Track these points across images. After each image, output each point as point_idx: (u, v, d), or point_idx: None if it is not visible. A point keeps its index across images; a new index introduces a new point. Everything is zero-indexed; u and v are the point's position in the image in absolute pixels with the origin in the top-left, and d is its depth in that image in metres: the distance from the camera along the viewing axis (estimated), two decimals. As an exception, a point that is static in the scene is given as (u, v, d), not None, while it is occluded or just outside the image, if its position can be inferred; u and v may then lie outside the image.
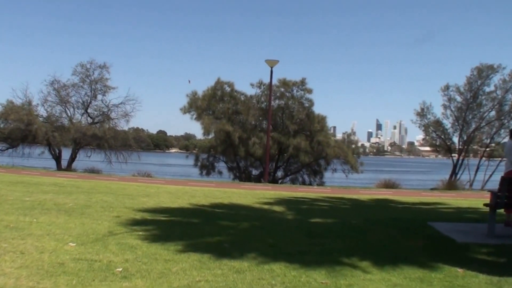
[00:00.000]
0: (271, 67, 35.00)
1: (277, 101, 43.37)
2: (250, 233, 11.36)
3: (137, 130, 52.06)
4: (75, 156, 45.78)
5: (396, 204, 20.13)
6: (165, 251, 8.66)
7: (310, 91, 43.16)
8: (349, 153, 43.71)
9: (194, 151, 52.14)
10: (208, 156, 46.34)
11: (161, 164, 75.84)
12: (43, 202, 14.69)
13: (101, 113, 46.63)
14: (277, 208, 16.73)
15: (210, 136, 44.16)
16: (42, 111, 45.62)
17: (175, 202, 16.93)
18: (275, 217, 14.60)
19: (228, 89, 44.25)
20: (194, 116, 43.90)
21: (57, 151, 45.15)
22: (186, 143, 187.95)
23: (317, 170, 44.96)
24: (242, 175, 44.60)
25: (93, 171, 42.04)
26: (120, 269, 7.32)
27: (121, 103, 45.72)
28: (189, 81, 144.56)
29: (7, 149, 44.99)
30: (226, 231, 11.44)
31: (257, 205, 17.44)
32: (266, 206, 17.10)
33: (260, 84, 43.57)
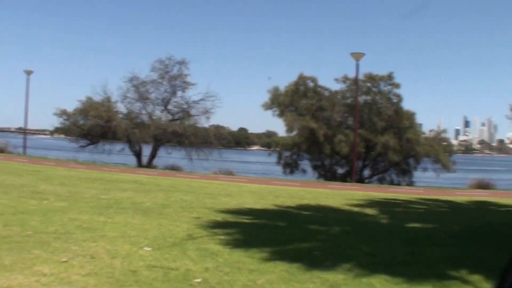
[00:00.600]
0: (357, 61, 33.70)
1: (363, 97, 41.87)
2: (342, 239, 10.49)
3: (217, 127, 52.01)
4: (156, 153, 46.24)
5: (497, 207, 18.74)
6: (249, 259, 7.92)
7: (397, 85, 41.31)
8: (440, 151, 41.57)
9: (276, 149, 51.40)
10: (292, 154, 45.47)
11: (242, 161, 75.75)
12: (119, 200, 14.41)
13: (181, 109, 46.85)
14: (368, 210, 15.76)
15: (293, 133, 43.28)
16: (121, 108, 46.53)
17: (258, 203, 16.26)
18: (368, 221, 13.67)
19: (311, 84, 43.17)
20: (276, 113, 43.24)
21: (137, 147, 45.83)
22: (267, 140, 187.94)
23: (406, 169, 43.08)
24: (327, 174, 43.47)
25: (173, 168, 42.30)
26: (199, 280, 6.62)
27: (201, 99, 45.73)
28: (269, 78, 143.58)
29: (87, 145, 46.10)
30: (316, 236, 10.62)
31: (346, 207, 16.51)
32: (356, 209, 16.17)
33: (345, 78, 42.12)
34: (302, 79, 42.68)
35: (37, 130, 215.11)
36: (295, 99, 42.44)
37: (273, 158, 47.58)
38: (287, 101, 42.14)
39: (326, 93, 43.03)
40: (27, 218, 10.57)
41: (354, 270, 7.51)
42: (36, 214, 11.16)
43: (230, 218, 12.45)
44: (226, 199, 16.62)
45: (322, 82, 43.63)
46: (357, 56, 33.37)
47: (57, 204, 12.82)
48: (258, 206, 15.48)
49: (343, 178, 40.48)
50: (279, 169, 46.14)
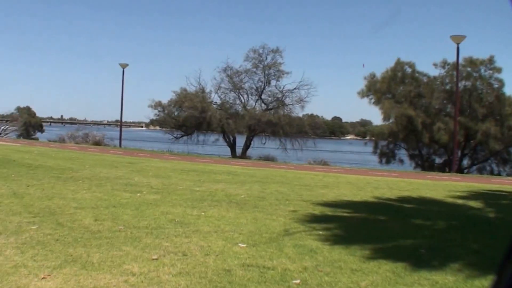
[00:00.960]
0: (457, 44, 31.80)
1: (463, 82, 39.81)
2: (448, 235, 9.65)
3: (311, 117, 51.27)
4: (250, 143, 46.37)
5: None
6: (351, 257, 7.33)
7: (499, 70, 38.92)
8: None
9: (372, 138, 50.22)
10: (388, 143, 44.14)
11: (337, 151, 74.55)
12: (213, 192, 14.19)
13: (275, 99, 46.71)
14: (473, 203, 14.72)
15: (389, 122, 42.02)
16: (215, 98, 47.03)
17: (357, 195, 15.58)
18: (474, 214, 12.72)
19: (409, 70, 41.61)
20: (372, 101, 42.11)
21: (231, 138, 46.14)
22: (362, 129, 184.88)
23: (507, 158, 40.80)
24: (425, 164, 41.90)
25: (267, 158, 42.17)
26: (298, 281, 6.10)
27: (295, 88, 45.38)
28: (363, 65, 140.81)
29: (181, 136, 46.96)
30: (420, 232, 9.85)
31: (449, 199, 15.49)
32: (460, 201, 15.14)
33: (444, 63, 40.20)
34: (399, 65, 41.27)
35: (133, 123, 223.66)
36: (392, 86, 41.12)
37: (368, 148, 46.62)
38: (384, 88, 40.89)
39: (425, 79, 41.36)
40: (119, 211, 10.49)
41: (464, 270, 6.83)
42: (128, 207, 11.08)
43: (328, 211, 11.89)
44: (323, 191, 16.04)
45: (420, 67, 42.03)
46: (457, 39, 31.51)
47: (150, 197, 12.75)
48: (357, 198, 14.82)
49: (442, 168, 39.10)
50: (374, 159, 45.08)
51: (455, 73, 35.75)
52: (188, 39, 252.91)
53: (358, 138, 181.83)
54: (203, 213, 10.65)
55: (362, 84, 42.42)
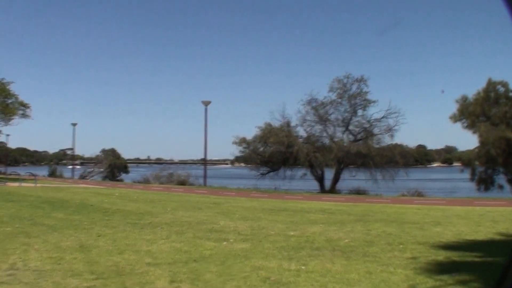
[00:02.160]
0: None
1: None
2: None
3: (398, 146, 47.89)
4: (339, 177, 43.93)
5: None
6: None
7: None
8: None
9: (461, 164, 46.62)
10: (486, 169, 40.24)
11: (426, 179, 70.48)
12: (311, 237, 11.99)
13: (362, 129, 44.18)
14: None
15: (477, 146, 38.55)
16: (301, 132, 44.99)
17: (478, 232, 13.04)
18: None
19: (502, 89, 37.93)
20: (465, 125, 38.73)
21: (319, 172, 43.90)
22: (447, 156, 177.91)
23: None
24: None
25: (358, 191, 39.65)
26: None
27: (383, 117, 42.67)
28: (442, 91, 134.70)
29: (268, 172, 45.18)
30: None
31: None
32: None
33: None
34: (491, 85, 37.75)
35: (217, 160, 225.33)
36: (486, 108, 37.65)
37: (458, 175, 43.16)
38: (478, 111, 37.45)
39: None
40: (201, 268, 8.51)
41: None
42: (212, 261, 9.10)
43: (454, 256, 9.53)
44: (437, 229, 13.54)
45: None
46: None
47: (238, 246, 10.73)
48: (479, 236, 12.35)
49: None
50: (468, 185, 41.49)
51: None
52: (270, 71, 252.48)
53: (444, 165, 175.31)
54: (303, 267, 8.51)
55: (452, 108, 39.21)
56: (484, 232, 13.05)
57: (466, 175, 42.46)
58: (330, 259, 9.21)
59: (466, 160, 41.76)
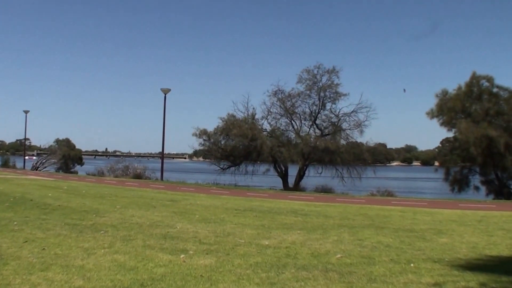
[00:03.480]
0: None
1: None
2: None
3: (355, 144, 45.76)
4: (304, 173, 41.69)
5: None
6: None
7: None
8: None
9: (417, 164, 45.52)
10: (461, 169, 38.61)
11: (390, 178, 69.36)
12: (292, 250, 9.49)
13: (330, 123, 41.94)
14: None
15: (437, 146, 37.22)
16: (265, 125, 42.48)
17: (494, 243, 10.89)
18: None
19: (486, 84, 36.18)
20: (441, 121, 36.93)
21: (283, 168, 41.55)
22: (407, 155, 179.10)
23: None
24: (504, 191, 36.44)
25: (325, 190, 37.58)
26: None
27: (353, 111, 40.54)
28: (404, 90, 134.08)
29: (229, 167, 42.62)
30: None
31: None
32: None
33: (528, 75, 34.72)
34: (475, 79, 35.89)
35: (176, 154, 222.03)
36: (467, 104, 35.90)
37: (423, 173, 41.88)
38: (459, 106, 35.63)
39: (505, 94, 35.86)
40: (148, 300, 5.97)
41: None
42: (165, 287, 6.58)
43: (490, 281, 7.27)
44: (442, 239, 11.27)
45: (500, 81, 36.70)
46: None
47: (200, 261, 8.18)
48: (501, 250, 10.18)
49: None
50: (434, 185, 40.23)
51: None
52: (236, 60, 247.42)
53: (404, 164, 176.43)
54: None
55: (417, 106, 37.56)
56: (503, 244, 10.84)
57: (432, 174, 41.24)
58: (326, 286, 6.77)
59: (443, 160, 39.96)
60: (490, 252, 9.76)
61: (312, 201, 23.43)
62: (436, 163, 47.55)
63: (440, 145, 45.05)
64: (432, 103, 38.31)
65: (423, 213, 17.73)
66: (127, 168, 51.36)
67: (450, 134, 38.91)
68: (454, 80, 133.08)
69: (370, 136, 76.20)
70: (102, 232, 11.18)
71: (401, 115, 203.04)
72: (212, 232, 11.52)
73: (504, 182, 37.22)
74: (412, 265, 8.21)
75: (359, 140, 42.07)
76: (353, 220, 14.97)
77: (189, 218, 14.36)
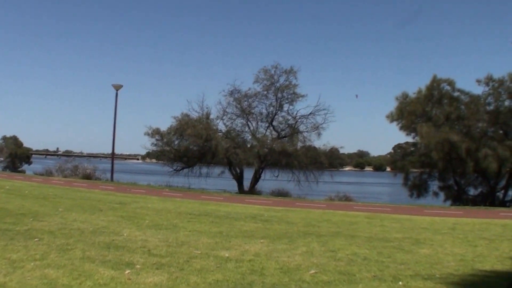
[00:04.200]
0: None
1: (508, 101, 34.17)
2: None
3: (311, 147, 44.82)
4: (259, 176, 40.39)
5: None
6: None
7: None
8: None
9: (369, 169, 45.29)
10: (421, 174, 38.05)
11: (344, 182, 68.96)
12: (257, 264, 8.11)
13: (287, 125, 40.73)
14: None
15: (389, 152, 36.66)
16: (221, 125, 40.96)
17: (482, 255, 9.83)
18: None
19: (447, 88, 35.60)
20: (400, 125, 36.21)
21: (238, 170, 40.14)
22: (360, 160, 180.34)
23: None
24: (462, 197, 36.04)
25: (281, 193, 36.34)
26: None
27: (310, 113, 39.39)
28: (356, 96, 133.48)
29: (182, 169, 40.87)
30: None
31: None
32: None
33: (489, 80, 34.24)
34: (436, 83, 35.26)
35: (129, 155, 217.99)
36: (428, 107, 35.31)
37: (382, 179, 41.32)
38: (419, 110, 34.95)
39: (465, 99, 35.37)
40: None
41: None
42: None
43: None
44: (423, 250, 10.11)
45: (461, 85, 36.27)
46: None
47: (148, 279, 6.76)
48: (494, 263, 9.09)
49: (480, 201, 34.45)
50: (388, 191, 39.61)
51: (500, 90, 30.46)
52: (191, 59, 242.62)
53: (356, 169, 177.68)
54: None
55: (372, 112, 36.95)
56: (491, 256, 9.76)
57: (386, 179, 40.64)
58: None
59: (402, 165, 39.23)
60: (482, 266, 8.65)
61: (270, 205, 22.19)
62: (388, 169, 47.12)
63: (392, 151, 44.57)
64: (388, 107, 37.59)
65: (390, 220, 16.69)
66: (76, 168, 48.95)
67: (409, 139, 38.25)
68: (414, 84, 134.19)
69: (327, 140, 75.23)
70: (36, 239, 9.61)
71: (354, 119, 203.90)
72: (163, 241, 10.08)
73: (463, 188, 36.77)
74: (400, 283, 6.98)
75: (316, 143, 41.04)
76: (319, 227, 13.76)
77: (138, 224, 12.86)
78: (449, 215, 19.58)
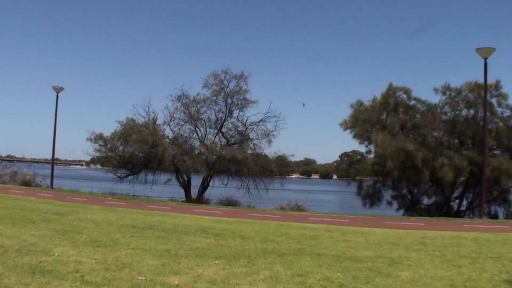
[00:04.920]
0: (485, 58, 25.65)
1: (464, 111, 33.82)
2: None
3: (261, 155, 43.52)
4: (208, 184, 38.83)
5: None
6: None
7: (505, 96, 32.66)
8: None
9: (316, 176, 44.52)
10: (375, 183, 37.16)
11: (293, 190, 68.01)
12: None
13: (236, 132, 39.30)
14: None
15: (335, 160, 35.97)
16: (168, 131, 39.19)
17: (471, 279, 8.63)
18: None
19: (403, 96, 34.84)
20: (353, 133, 35.32)
21: (185, 178, 38.45)
22: (306, 168, 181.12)
23: (506, 198, 34.96)
24: (416, 207, 35.42)
25: (230, 202, 34.95)
26: None
27: (260, 120, 38.14)
28: (303, 104, 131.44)
29: (126, 176, 38.86)
30: None
31: None
32: None
33: (446, 89, 33.70)
34: (392, 91, 34.49)
35: (72, 161, 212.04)
36: (383, 116, 34.59)
37: (328, 187, 40.53)
38: (374, 119, 34.13)
39: (422, 107, 34.71)
40: None
41: None
42: None
43: None
44: (405, 274, 8.78)
45: (417, 93, 35.73)
46: (485, 52, 25.37)
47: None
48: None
49: (433, 211, 34.04)
50: (336, 199, 38.76)
51: (457, 99, 30.00)
52: (136, 62, 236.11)
53: (303, 177, 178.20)
54: None
55: (320, 121, 35.97)
56: (483, 280, 8.58)
57: (335, 187, 39.88)
58: None
59: (356, 173, 38.38)
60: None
61: (221, 216, 20.77)
62: (335, 177, 46.40)
63: (338, 159, 43.81)
64: (336, 115, 36.76)
65: (353, 233, 15.48)
66: (15, 173, 46.22)
67: (362, 148, 37.36)
68: (367, 92, 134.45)
69: (277, 147, 74.00)
70: None
71: (302, 127, 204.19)
72: (101, 263, 8.54)
73: (417, 197, 36.16)
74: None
75: (266, 150, 39.81)
76: (278, 243, 12.40)
77: (74, 240, 11.22)
78: (411, 227, 18.53)
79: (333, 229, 16.51)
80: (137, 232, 13.32)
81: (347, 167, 40.28)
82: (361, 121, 34.05)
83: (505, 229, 18.87)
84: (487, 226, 19.77)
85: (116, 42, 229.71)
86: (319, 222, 19.64)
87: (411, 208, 34.86)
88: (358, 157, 40.57)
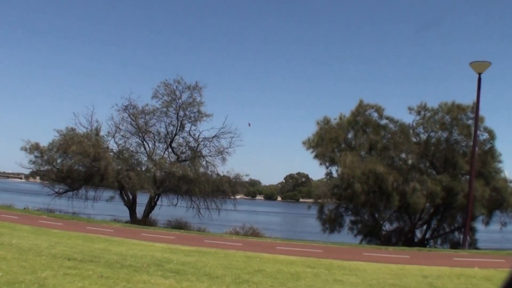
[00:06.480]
0: (479, 74, 23.61)
1: (438, 133, 31.73)
2: None
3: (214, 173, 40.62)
4: (155, 204, 35.41)
5: None
6: None
7: (482, 119, 30.82)
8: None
9: (260, 198, 42.00)
10: (337, 207, 34.35)
11: (235, 211, 65.36)
12: None
13: (188, 148, 36.12)
14: None
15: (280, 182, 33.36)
16: (112, 144, 35.63)
17: None
18: None
19: (375, 115, 32.29)
20: (316, 153, 32.55)
21: (130, 196, 34.90)
22: (252, 188, 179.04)
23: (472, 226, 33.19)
24: (379, 233, 33.03)
25: (179, 224, 31.78)
26: None
27: (214, 136, 35.16)
28: (249, 124, 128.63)
29: (65, 191, 34.96)
30: None
31: None
32: None
33: (422, 108, 31.40)
34: (362, 108, 31.85)
35: (11, 174, 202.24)
36: (351, 135, 32.15)
37: (271, 208, 38.08)
38: (340, 138, 31.50)
39: (394, 127, 32.29)
40: None
41: None
42: None
43: None
44: None
45: (390, 112, 33.33)
46: (479, 66, 23.30)
47: None
48: None
49: (390, 237, 32.35)
50: (288, 220, 36.03)
51: (432, 120, 28.14)
52: (80, 68, 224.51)
53: (247, 197, 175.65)
54: None
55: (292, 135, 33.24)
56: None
57: (280, 209, 37.34)
58: None
59: (316, 195, 35.58)
60: None
61: (175, 242, 17.58)
62: (279, 198, 44.05)
63: (283, 181, 41.20)
64: (283, 135, 34.03)
65: (340, 270, 12.66)
66: None
67: (323, 169, 34.49)
68: (335, 109, 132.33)
69: (231, 166, 71.09)
70: None
71: (247, 146, 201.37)
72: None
73: (379, 223, 33.63)
74: None
75: (220, 169, 36.78)
76: (256, 285, 9.44)
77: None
78: (399, 261, 15.82)
79: (313, 264, 13.64)
80: (73, 267, 10.09)
81: (292, 189, 37.75)
82: (327, 140, 31.31)
83: (501, 263, 16.40)
84: (481, 260, 17.26)
85: (57, 46, 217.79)
86: (290, 252, 16.77)
87: (371, 233, 32.38)
88: (303, 179, 38.36)
